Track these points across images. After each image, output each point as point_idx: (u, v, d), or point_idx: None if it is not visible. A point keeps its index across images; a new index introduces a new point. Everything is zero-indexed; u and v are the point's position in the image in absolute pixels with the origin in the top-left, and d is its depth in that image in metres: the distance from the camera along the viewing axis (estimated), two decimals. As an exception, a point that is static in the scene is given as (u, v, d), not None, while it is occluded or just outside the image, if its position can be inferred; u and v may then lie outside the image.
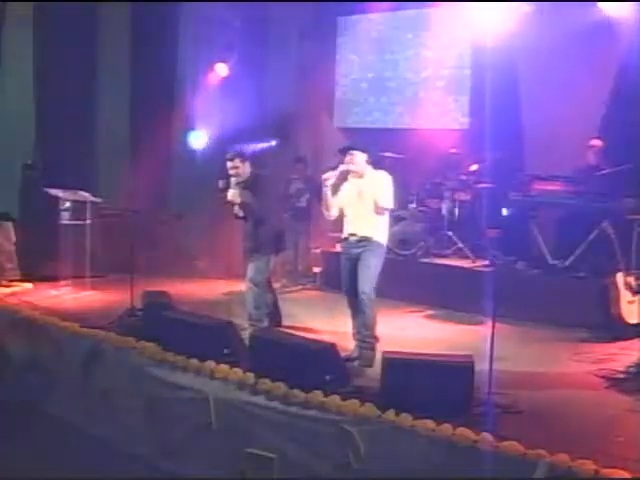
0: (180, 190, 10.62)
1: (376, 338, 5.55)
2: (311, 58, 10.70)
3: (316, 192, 8.91)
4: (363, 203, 5.60)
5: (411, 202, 8.67)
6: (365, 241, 5.59)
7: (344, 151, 5.61)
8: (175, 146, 10.66)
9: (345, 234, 5.73)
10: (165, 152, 10.32)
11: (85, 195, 8.23)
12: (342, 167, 5.57)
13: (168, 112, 10.30)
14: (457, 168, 8.77)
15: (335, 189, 5.58)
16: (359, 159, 5.59)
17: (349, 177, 5.62)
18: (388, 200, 5.60)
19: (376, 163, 5.78)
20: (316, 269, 9.23)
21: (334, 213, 5.69)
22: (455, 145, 8.96)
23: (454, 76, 9.79)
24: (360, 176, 5.61)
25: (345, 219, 5.73)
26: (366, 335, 5.54)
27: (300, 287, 8.82)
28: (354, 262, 5.61)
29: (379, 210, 5.57)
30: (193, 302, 7.34)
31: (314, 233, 9.33)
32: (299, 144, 10.72)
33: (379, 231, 5.66)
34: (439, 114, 9.93)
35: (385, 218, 5.69)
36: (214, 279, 8.78)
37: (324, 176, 5.57)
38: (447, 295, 7.74)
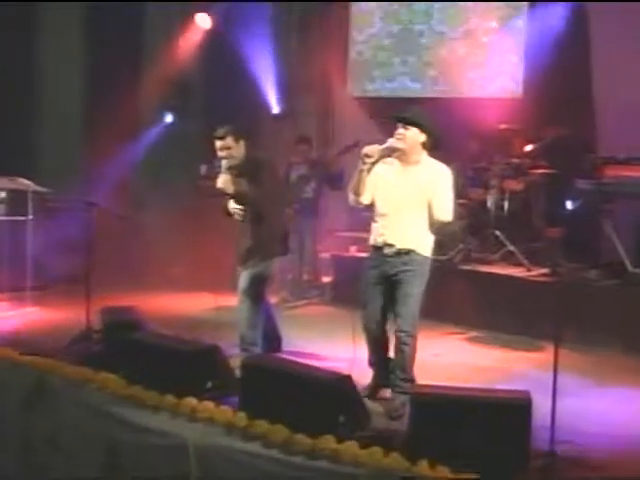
0: (148, 178, 10.66)
1: (412, 381, 5.47)
2: (317, 8, 10.70)
3: (325, 179, 8.98)
4: (411, 202, 5.36)
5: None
6: (406, 256, 5.37)
7: (397, 120, 5.37)
8: (143, 122, 10.69)
9: (377, 241, 5.50)
10: (130, 129, 10.34)
11: (26, 183, 8.24)
12: (390, 141, 5.34)
13: (133, 78, 10.32)
14: (507, 149, 8.77)
15: (370, 170, 5.36)
16: (413, 138, 5.35)
17: (393, 158, 5.43)
18: (447, 209, 5.35)
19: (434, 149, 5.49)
20: (325, 278, 9.27)
21: (365, 200, 5.47)
22: (505, 119, 8.95)
23: (504, 29, 9.78)
24: (412, 163, 5.41)
25: (379, 219, 5.50)
26: (401, 378, 5.47)
27: (305, 301, 8.88)
28: (386, 283, 5.45)
29: (433, 221, 5.36)
30: (168, 321, 7.35)
31: (322, 232, 9.35)
32: (303, 119, 10.73)
33: (426, 241, 5.44)
34: (484, 79, 9.94)
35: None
36: (195, 291, 8.80)
37: (365, 150, 5.27)
38: (495, 312, 7.75)
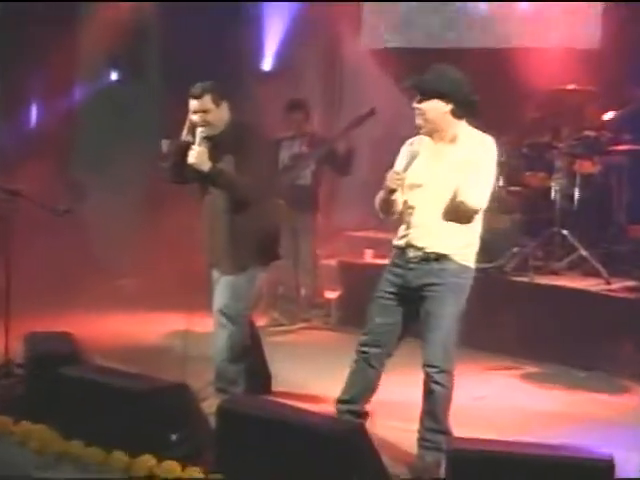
0: (90, 157, 10.70)
1: (447, 433, 5.44)
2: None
3: (328, 160, 8.97)
4: (445, 191, 5.35)
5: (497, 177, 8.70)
6: (437, 263, 5.35)
7: (411, 87, 5.39)
8: (79, 83, 10.75)
9: (400, 241, 5.52)
10: (62, 93, 10.40)
11: None
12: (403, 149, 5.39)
13: (67, 25, 10.37)
14: (579, 118, 8.78)
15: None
16: (435, 111, 5.31)
17: (423, 134, 5.43)
18: (477, 192, 5.27)
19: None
20: (330, 294, 9.30)
21: (397, 213, 5.52)
22: (575, 77, 8.95)
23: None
24: (447, 140, 5.40)
25: (404, 213, 5.51)
26: (432, 429, 5.46)
27: (303, 325, 8.92)
28: (406, 299, 5.46)
29: (455, 205, 5.29)
30: (117, 351, 7.38)
31: (326, 231, 9.36)
32: (302, 77, 10.77)
33: (466, 244, 5.42)
34: (546, 24, 9.96)
35: (477, 220, 5.43)
36: (154, 310, 8.86)
37: (389, 184, 5.27)
38: (559, 340, 7.76)
